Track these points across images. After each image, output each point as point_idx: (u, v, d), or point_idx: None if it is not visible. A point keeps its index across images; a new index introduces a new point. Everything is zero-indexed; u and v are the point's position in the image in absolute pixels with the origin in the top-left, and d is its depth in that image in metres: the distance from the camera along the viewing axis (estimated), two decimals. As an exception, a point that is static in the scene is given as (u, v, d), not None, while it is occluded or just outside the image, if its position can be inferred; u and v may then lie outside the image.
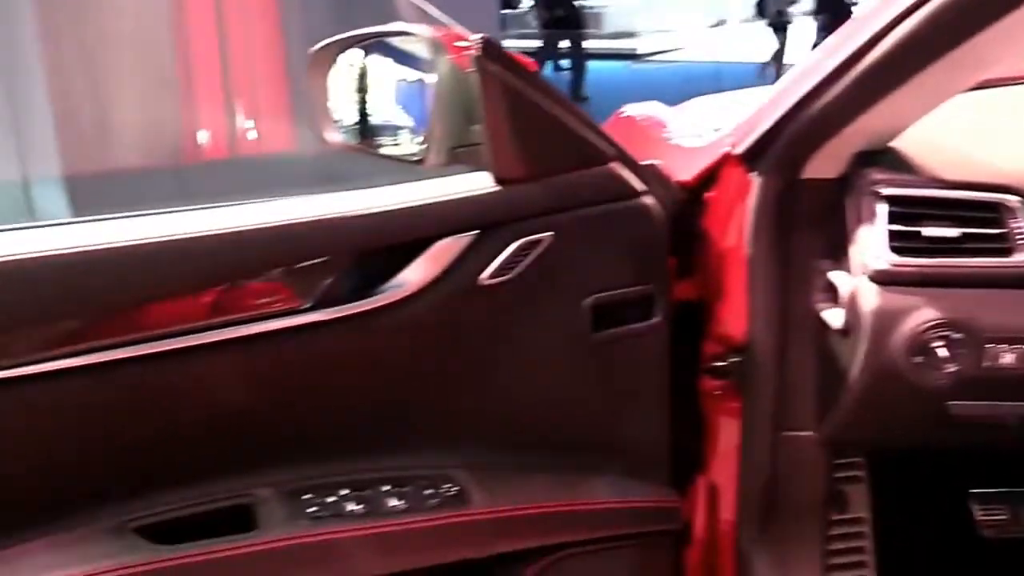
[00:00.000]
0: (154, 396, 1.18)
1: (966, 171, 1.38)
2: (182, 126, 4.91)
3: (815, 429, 1.44)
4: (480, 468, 1.34)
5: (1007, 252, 1.30)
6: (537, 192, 1.29)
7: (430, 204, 1.28)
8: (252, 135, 4.96)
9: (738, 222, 1.39)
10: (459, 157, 1.26)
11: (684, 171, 1.46)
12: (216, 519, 1.20)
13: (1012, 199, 1.33)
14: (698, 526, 1.50)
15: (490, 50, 1.19)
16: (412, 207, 1.28)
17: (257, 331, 1.20)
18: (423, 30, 1.25)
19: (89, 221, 1.21)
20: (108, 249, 1.14)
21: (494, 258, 1.27)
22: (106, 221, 1.20)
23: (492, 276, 1.28)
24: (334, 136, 1.39)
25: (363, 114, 1.37)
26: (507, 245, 1.27)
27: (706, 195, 1.44)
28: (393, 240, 1.27)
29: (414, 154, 1.29)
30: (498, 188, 1.28)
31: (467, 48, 1.21)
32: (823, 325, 1.38)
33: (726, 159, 1.43)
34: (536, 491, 1.37)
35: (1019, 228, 1.31)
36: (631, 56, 16.08)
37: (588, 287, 1.34)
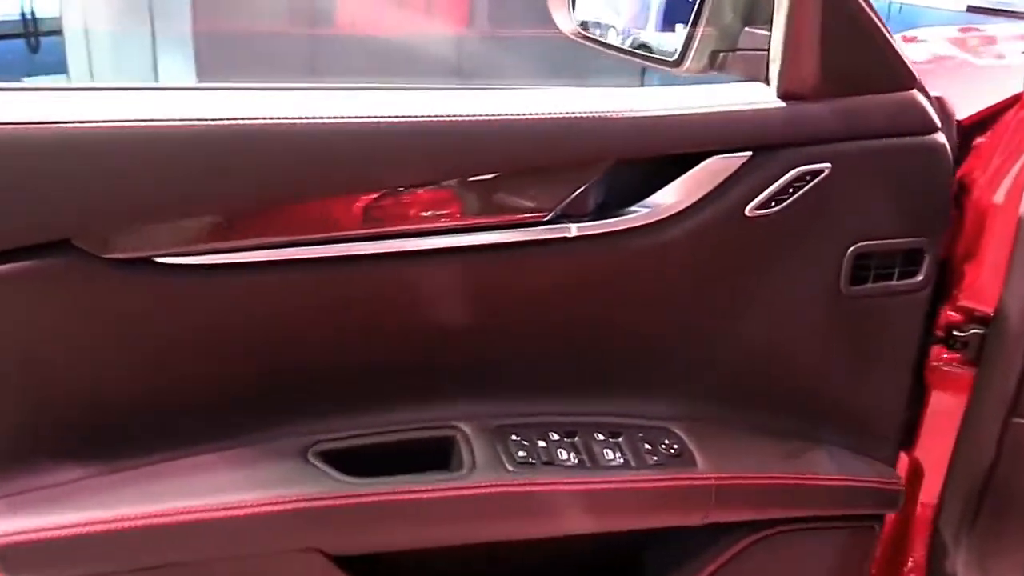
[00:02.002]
0: (360, 301, 1.04)
1: None
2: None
3: None
4: (700, 424, 1.20)
5: None
6: (825, 114, 1.11)
7: (700, 115, 1.09)
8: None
9: (1018, 175, 1.21)
10: (723, 63, 1.09)
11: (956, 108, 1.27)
12: (411, 452, 1.07)
13: None
14: None
15: None
16: (681, 116, 1.08)
17: (487, 241, 1.04)
18: None
19: (299, 88, 1.05)
20: (353, 123, 0.98)
21: (766, 186, 1.10)
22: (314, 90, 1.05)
23: (760, 207, 1.12)
24: (566, 22, 1.22)
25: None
26: (782, 173, 1.10)
27: (977, 140, 1.26)
28: (656, 151, 1.10)
29: (667, 54, 1.12)
30: (780, 104, 1.10)
31: None
32: None
33: (1017, 101, 1.23)
34: (764, 459, 1.23)
35: None
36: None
37: (856, 233, 1.18)
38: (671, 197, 1.09)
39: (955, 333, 1.27)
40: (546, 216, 1.07)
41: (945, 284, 1.28)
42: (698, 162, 1.09)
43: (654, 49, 1.14)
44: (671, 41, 1.13)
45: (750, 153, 1.10)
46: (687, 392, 1.21)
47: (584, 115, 1.05)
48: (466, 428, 1.10)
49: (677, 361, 1.20)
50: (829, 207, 1.15)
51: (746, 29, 1.09)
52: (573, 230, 1.06)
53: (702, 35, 1.08)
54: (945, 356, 1.30)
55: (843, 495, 1.29)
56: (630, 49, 1.16)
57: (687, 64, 1.09)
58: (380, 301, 1.05)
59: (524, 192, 1.05)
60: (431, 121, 1.00)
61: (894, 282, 1.21)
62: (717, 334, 1.20)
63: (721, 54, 1.08)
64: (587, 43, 1.20)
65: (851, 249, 1.18)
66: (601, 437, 1.14)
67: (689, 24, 1.09)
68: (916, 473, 1.37)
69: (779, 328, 1.21)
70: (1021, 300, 1.23)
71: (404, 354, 1.09)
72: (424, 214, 1.03)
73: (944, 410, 1.32)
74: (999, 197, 1.23)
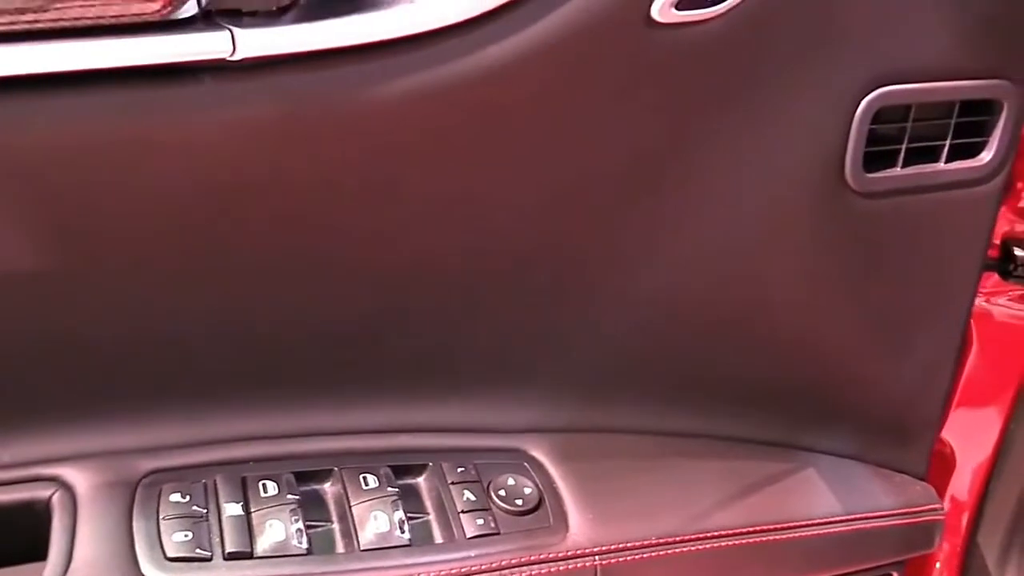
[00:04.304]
0: None
1: None
2: None
3: None
4: (578, 440, 0.77)
5: None
6: None
7: None
8: None
9: None
10: None
11: None
12: None
13: None
14: None
15: None
16: None
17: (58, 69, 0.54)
18: None
19: None
20: None
21: None
22: None
23: (681, 3, 0.62)
24: None
25: None
26: None
27: None
28: None
29: None
30: None
31: None
32: None
33: None
34: (697, 503, 0.77)
35: None
36: None
37: (872, 67, 0.71)
38: None
39: (1018, 252, 0.91)
40: (177, 8, 0.56)
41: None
42: None
43: None
44: None
45: None
46: (555, 377, 0.75)
47: None
48: (74, 479, 0.65)
49: (530, 314, 0.73)
50: (822, 11, 0.67)
51: None
52: (236, 44, 0.56)
53: None
54: (998, 289, 0.95)
55: (846, 547, 0.86)
56: None
57: None
58: None
59: None
60: None
61: (942, 164, 0.76)
62: (605, 260, 0.72)
63: None
64: None
65: (865, 100, 0.71)
66: (372, 483, 0.69)
67: None
68: (945, 463, 1.00)
69: (727, 253, 0.75)
70: None
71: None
72: None
73: (993, 372, 0.98)
74: None
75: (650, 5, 0.62)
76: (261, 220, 0.63)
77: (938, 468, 0.99)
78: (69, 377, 0.65)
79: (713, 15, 0.63)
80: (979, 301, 0.94)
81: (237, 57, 0.56)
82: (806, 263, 0.78)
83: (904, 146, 0.74)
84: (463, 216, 0.67)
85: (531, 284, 0.72)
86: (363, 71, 0.60)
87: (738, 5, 0.64)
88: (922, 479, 0.92)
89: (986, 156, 0.78)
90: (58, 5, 0.53)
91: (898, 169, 0.75)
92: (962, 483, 1.00)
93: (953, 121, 0.76)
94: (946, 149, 0.77)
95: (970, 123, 0.77)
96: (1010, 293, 0.95)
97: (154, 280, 0.63)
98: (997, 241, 0.92)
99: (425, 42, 0.60)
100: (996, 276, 0.94)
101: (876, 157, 0.74)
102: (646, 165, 0.70)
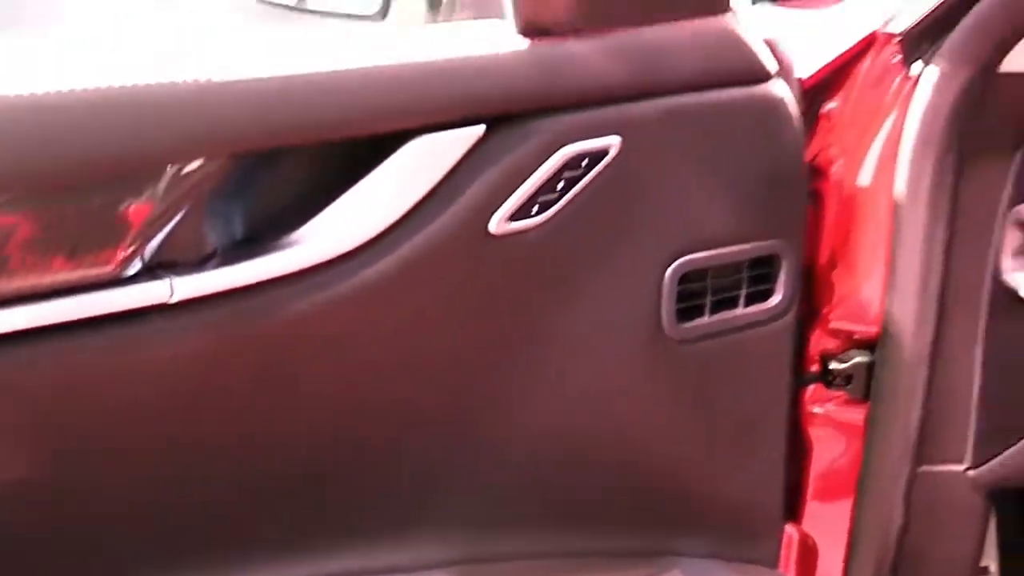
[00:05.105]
0: None
1: None
2: None
3: (975, 463, 1.07)
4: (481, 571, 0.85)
5: None
6: (597, 56, 0.77)
7: (381, 71, 0.72)
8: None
9: (885, 144, 0.96)
10: (448, 4, 0.73)
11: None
12: None
13: None
14: None
15: None
16: (343, 75, 0.71)
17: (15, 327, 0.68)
18: None
19: None
20: None
21: (519, 182, 0.75)
22: None
23: (514, 216, 0.76)
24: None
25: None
26: (543, 157, 0.75)
27: (826, 106, 0.99)
28: (306, 138, 0.72)
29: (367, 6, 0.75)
30: (523, 45, 0.76)
31: None
32: (1013, 305, 1.01)
33: (870, 44, 0.96)
34: None
35: None
36: None
37: (674, 243, 0.86)
38: (354, 214, 0.72)
39: (833, 366, 1.04)
40: (126, 267, 0.69)
41: (810, 303, 1.02)
42: (395, 149, 0.72)
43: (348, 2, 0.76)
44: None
45: (483, 128, 0.74)
46: (445, 518, 0.85)
47: (165, 85, 0.66)
48: None
49: (423, 469, 0.83)
50: (626, 206, 0.82)
51: None
52: (174, 289, 0.69)
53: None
54: (827, 396, 1.06)
55: None
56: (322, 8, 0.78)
57: (394, 14, 0.71)
58: None
59: (82, 221, 0.67)
60: None
61: (741, 310, 0.91)
62: (477, 421, 0.84)
63: None
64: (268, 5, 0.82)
65: (671, 269, 0.86)
66: None
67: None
68: (808, 553, 1.10)
69: (578, 398, 0.87)
70: (914, 310, 0.99)
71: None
72: None
73: (834, 467, 1.09)
74: (865, 179, 0.98)
75: (488, 221, 0.76)
76: (207, 422, 0.75)
77: (803, 558, 1.09)
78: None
79: (539, 223, 0.77)
80: (813, 408, 1.06)
81: (174, 300, 0.69)
82: (645, 399, 0.90)
83: (708, 299, 0.88)
84: (358, 399, 0.80)
85: (415, 445, 0.83)
86: (273, 298, 0.73)
87: (558, 213, 0.78)
88: (774, 567, 1.03)
89: (776, 299, 0.94)
90: (33, 274, 0.66)
91: (706, 318, 0.89)
92: (825, 570, 1.09)
93: (745, 275, 0.90)
94: (743, 297, 0.91)
95: (760, 274, 0.91)
96: (835, 399, 1.06)
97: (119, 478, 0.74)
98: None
99: (317, 272, 0.73)
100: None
101: (688, 310, 0.88)
102: (502, 341, 0.82)
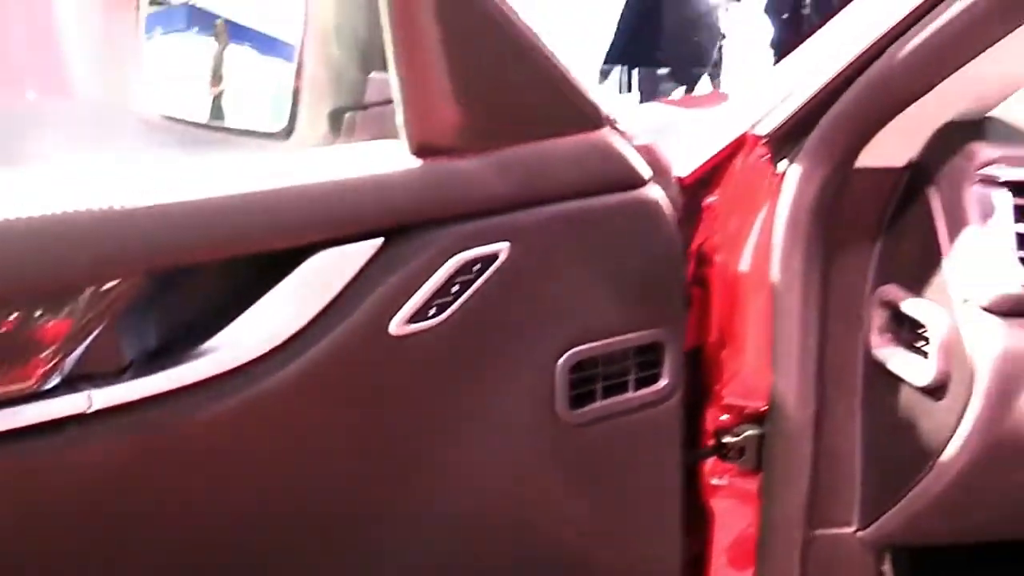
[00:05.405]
0: None
1: None
2: None
3: (863, 524, 1.11)
4: None
5: None
6: (485, 171, 0.83)
7: (279, 192, 0.76)
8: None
9: (760, 234, 1.03)
10: (351, 126, 0.78)
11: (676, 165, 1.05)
12: None
13: None
14: None
15: None
16: (243, 198, 0.75)
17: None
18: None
19: None
20: None
21: (415, 287, 0.80)
22: None
23: (412, 319, 0.80)
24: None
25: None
26: (437, 264, 0.80)
27: (707, 200, 1.05)
28: (212, 254, 0.76)
29: (273, 126, 0.79)
30: (415, 163, 0.81)
31: None
32: (885, 378, 1.05)
33: (741, 145, 1.02)
34: None
35: None
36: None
37: (563, 336, 0.90)
38: (262, 324, 0.76)
39: (726, 439, 1.07)
40: (46, 381, 0.71)
41: (702, 382, 1.07)
42: (300, 262, 0.76)
43: (254, 121, 0.80)
44: (278, 107, 0.80)
45: (381, 240, 0.79)
46: None
47: (75, 213, 0.69)
48: None
49: (338, 565, 0.85)
50: (517, 305, 0.87)
51: (373, 76, 0.77)
52: (92, 400, 0.71)
53: (312, 91, 0.75)
54: (721, 469, 1.09)
55: None
56: (224, 127, 0.82)
57: (299, 133, 0.75)
58: None
59: (4, 339, 0.69)
60: None
61: (631, 393, 0.95)
62: (384, 516, 0.86)
63: (346, 114, 0.76)
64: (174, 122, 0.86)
65: (562, 359, 0.91)
66: None
67: (293, 77, 0.76)
68: None
69: (482, 480, 0.90)
70: (796, 386, 1.05)
71: None
72: None
73: (734, 536, 1.11)
74: (745, 266, 1.04)
75: (388, 324, 0.80)
76: (123, 527, 0.77)
77: None
78: None
79: (436, 324, 0.81)
80: (712, 479, 1.09)
81: (93, 409, 0.71)
82: (545, 481, 0.93)
83: (600, 385, 0.93)
84: (269, 499, 0.82)
85: (326, 539, 0.85)
86: (186, 405, 0.75)
87: (454, 314, 0.82)
88: None
89: (663, 382, 0.97)
90: None
91: (598, 402, 0.93)
92: None
93: (632, 361, 0.94)
94: (632, 382, 0.95)
95: (646, 360, 0.96)
96: (731, 470, 1.09)
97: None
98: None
99: (227, 378, 0.76)
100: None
101: (582, 396, 0.92)
102: (408, 435, 0.85)
